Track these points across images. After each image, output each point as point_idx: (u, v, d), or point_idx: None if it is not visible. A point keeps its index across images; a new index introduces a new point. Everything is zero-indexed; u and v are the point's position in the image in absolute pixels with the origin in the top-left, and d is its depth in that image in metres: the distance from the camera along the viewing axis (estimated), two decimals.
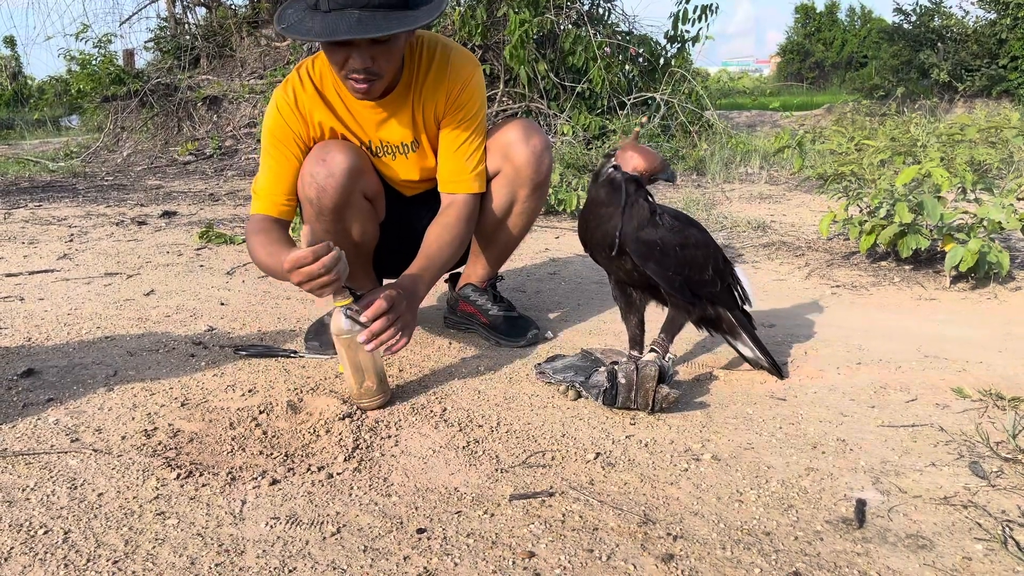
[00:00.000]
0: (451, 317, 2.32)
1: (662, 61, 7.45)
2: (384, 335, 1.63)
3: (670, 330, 1.75)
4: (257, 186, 1.94)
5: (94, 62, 8.72)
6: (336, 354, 2.06)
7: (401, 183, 2.07)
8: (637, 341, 1.81)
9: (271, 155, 1.92)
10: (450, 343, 2.18)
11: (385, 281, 2.33)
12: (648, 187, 1.64)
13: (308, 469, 1.44)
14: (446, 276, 2.42)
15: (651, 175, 1.61)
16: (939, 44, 13.63)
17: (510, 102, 6.98)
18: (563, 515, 1.28)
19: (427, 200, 2.09)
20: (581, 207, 1.84)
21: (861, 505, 1.30)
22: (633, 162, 1.62)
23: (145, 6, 10.23)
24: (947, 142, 3.70)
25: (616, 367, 1.66)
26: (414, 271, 1.82)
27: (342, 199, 1.90)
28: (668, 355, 1.74)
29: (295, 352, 2.07)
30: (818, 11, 30.62)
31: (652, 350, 1.72)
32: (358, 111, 1.92)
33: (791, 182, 5.74)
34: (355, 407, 1.70)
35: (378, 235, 2.10)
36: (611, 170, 1.64)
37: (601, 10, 7.69)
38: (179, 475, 1.40)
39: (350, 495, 1.35)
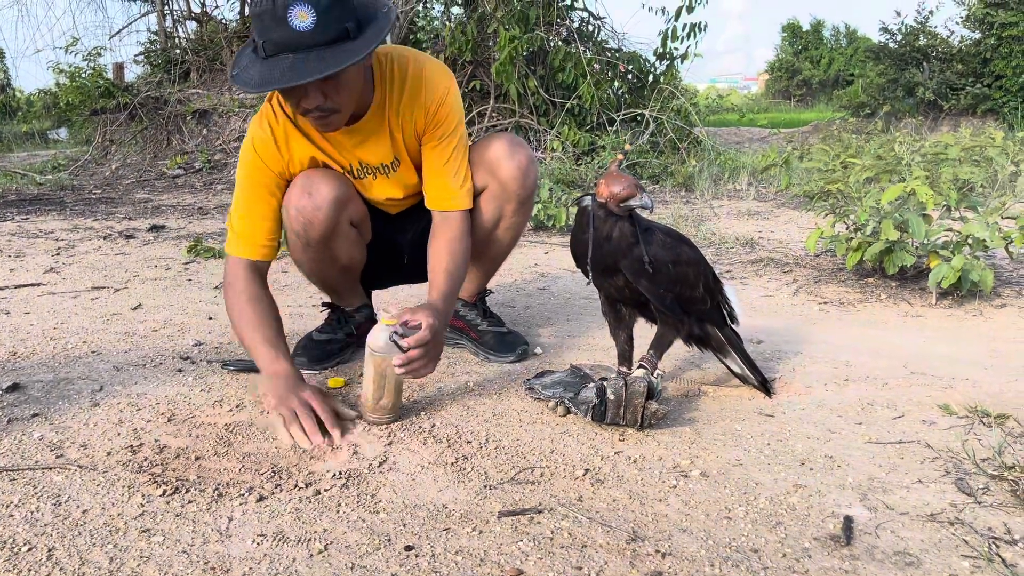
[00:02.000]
0: None
1: (651, 78, 7.51)
2: (416, 364, 1.66)
3: (659, 347, 1.76)
4: (235, 224, 1.87)
5: (83, 75, 8.70)
6: (322, 371, 2.06)
7: (384, 203, 2.06)
8: (626, 357, 1.82)
9: (250, 193, 1.87)
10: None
11: (374, 294, 2.33)
12: (627, 212, 1.65)
13: (295, 485, 1.43)
14: None
15: (621, 201, 1.62)
16: (924, 63, 13.79)
17: (500, 118, 7.01)
18: (552, 532, 1.28)
19: (410, 214, 2.09)
20: (571, 223, 1.86)
21: (848, 522, 1.30)
22: (605, 189, 1.63)
23: (135, 20, 10.26)
24: (932, 160, 3.74)
25: (605, 383, 1.66)
26: (441, 296, 1.82)
27: (329, 230, 1.89)
28: (657, 371, 1.74)
29: None
30: (804, 30, 30.93)
31: (640, 366, 1.72)
32: (334, 136, 1.87)
33: (779, 199, 5.78)
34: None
35: (365, 256, 2.10)
36: (586, 198, 1.67)
37: (591, 27, 7.75)
38: (165, 491, 1.39)
39: (338, 512, 1.34)
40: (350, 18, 1.56)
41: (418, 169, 1.98)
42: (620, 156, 1.74)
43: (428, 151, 1.92)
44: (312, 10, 1.51)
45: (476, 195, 2.01)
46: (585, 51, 7.06)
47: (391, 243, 2.14)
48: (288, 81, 1.54)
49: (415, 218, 2.07)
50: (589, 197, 1.68)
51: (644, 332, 1.82)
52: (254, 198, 1.87)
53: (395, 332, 1.65)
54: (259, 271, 1.89)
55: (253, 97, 8.28)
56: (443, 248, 1.90)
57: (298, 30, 1.52)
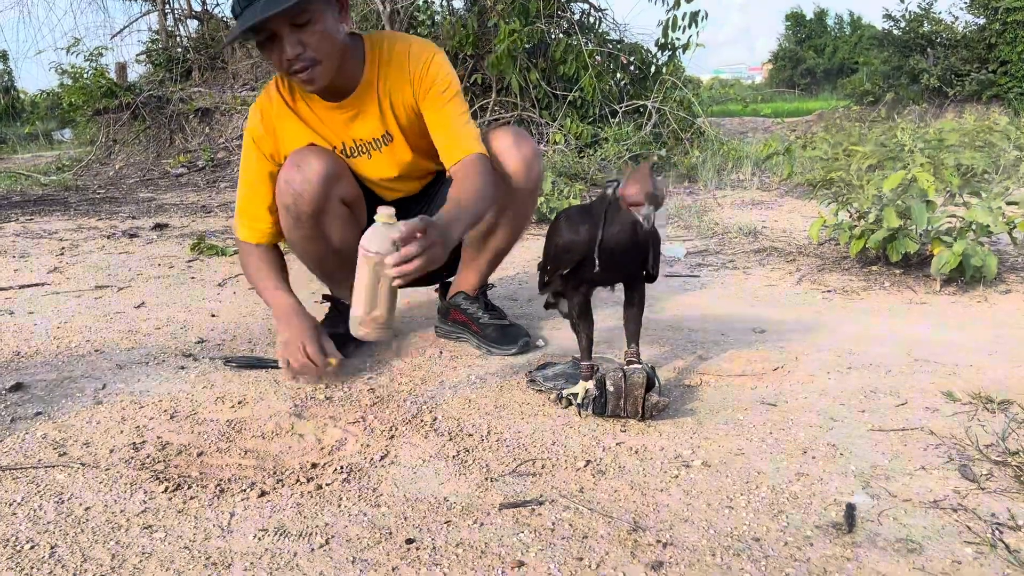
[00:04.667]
0: (442, 326, 2.31)
1: (653, 69, 7.47)
2: (410, 265, 1.48)
3: (635, 333, 1.71)
4: (243, 204, 2.00)
5: (86, 75, 8.70)
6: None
7: (379, 182, 2.07)
8: (592, 349, 1.77)
9: (249, 177, 1.99)
10: (441, 352, 2.18)
11: None
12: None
13: (297, 480, 1.43)
14: (437, 285, 2.42)
15: (629, 204, 1.53)
16: (929, 50, 13.71)
17: (502, 111, 6.99)
18: (553, 523, 1.28)
19: (407, 202, 2.10)
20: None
21: (851, 510, 1.30)
22: (626, 185, 1.55)
23: (136, 19, 10.26)
24: (936, 147, 3.71)
25: (604, 375, 1.66)
26: (448, 213, 1.67)
27: (319, 205, 1.91)
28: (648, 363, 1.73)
29: None
30: (808, 19, 30.81)
31: (630, 361, 1.70)
32: (326, 116, 1.95)
33: (782, 188, 5.75)
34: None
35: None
36: (613, 184, 1.58)
37: (592, 19, 7.71)
38: (167, 488, 1.40)
39: (339, 506, 1.34)
40: None
41: (412, 148, 2.01)
42: (654, 158, 1.66)
43: (429, 114, 1.95)
44: None
45: None
46: (586, 43, 7.02)
47: None
48: (263, 13, 1.64)
49: (412, 205, 2.07)
50: (616, 183, 1.58)
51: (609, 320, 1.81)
52: (253, 182, 1.98)
53: (387, 225, 1.50)
54: (268, 250, 2.03)
55: (255, 95, 8.27)
56: (458, 184, 1.81)
57: None
